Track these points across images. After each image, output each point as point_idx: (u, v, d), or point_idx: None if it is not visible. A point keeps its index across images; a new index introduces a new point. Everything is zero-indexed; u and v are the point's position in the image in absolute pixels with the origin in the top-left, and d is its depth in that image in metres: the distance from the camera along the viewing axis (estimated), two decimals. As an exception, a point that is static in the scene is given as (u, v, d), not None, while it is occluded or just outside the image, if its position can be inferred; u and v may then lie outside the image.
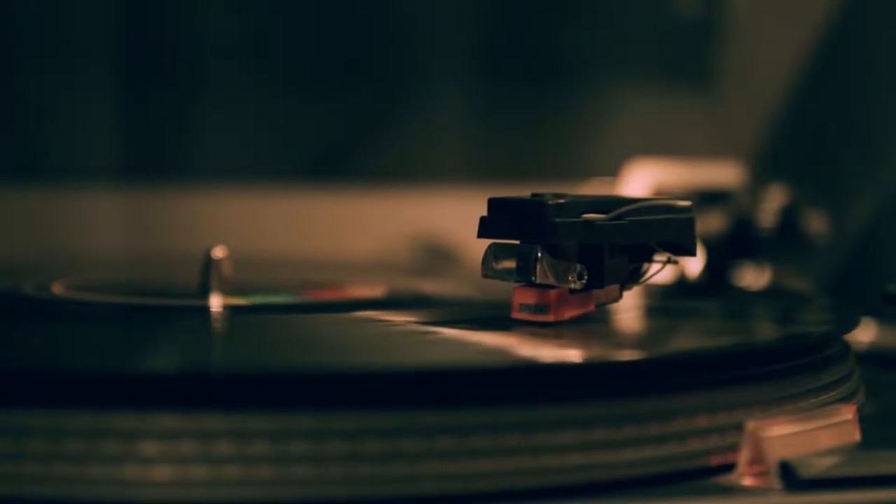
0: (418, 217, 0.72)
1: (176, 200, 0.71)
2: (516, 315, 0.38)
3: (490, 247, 0.38)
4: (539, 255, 0.37)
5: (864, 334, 0.51)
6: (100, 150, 0.71)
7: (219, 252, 0.45)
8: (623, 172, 0.64)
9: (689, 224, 0.39)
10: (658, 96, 0.76)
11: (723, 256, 0.58)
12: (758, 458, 0.32)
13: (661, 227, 0.38)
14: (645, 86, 0.76)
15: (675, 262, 0.40)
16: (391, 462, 0.29)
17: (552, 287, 0.37)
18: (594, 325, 0.38)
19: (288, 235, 0.71)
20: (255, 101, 0.73)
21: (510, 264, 0.37)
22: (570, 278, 0.37)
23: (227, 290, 0.44)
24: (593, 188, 0.66)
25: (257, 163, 0.73)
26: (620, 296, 0.39)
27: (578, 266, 0.37)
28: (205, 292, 0.44)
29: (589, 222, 0.37)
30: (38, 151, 0.71)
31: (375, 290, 0.48)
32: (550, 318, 0.37)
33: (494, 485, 0.30)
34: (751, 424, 0.32)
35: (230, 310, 0.43)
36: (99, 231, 0.70)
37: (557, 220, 0.36)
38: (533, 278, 0.37)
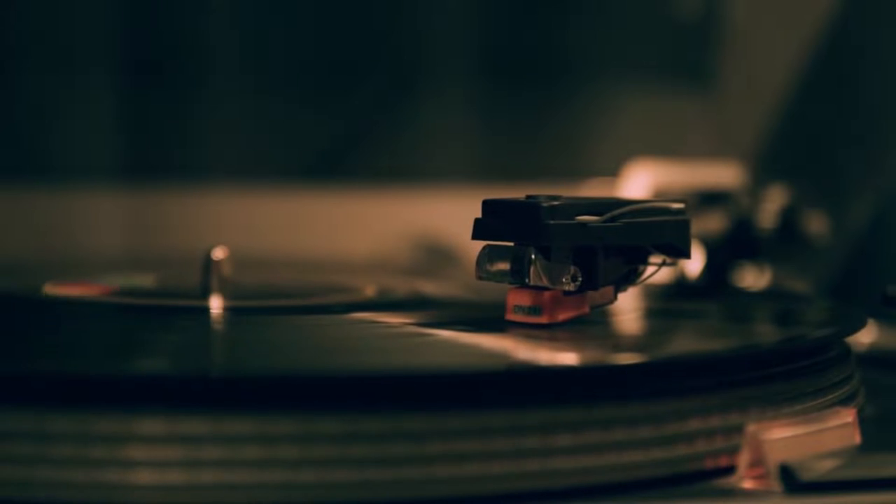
0: (418, 217, 0.72)
1: (176, 200, 0.71)
2: (510, 317, 0.37)
3: (484, 248, 0.38)
4: (533, 256, 0.36)
5: (865, 336, 0.51)
6: (100, 150, 0.71)
7: (219, 252, 0.45)
8: (623, 172, 0.64)
9: (684, 226, 0.39)
10: (658, 96, 0.75)
11: (723, 257, 0.57)
12: (758, 461, 0.32)
13: (656, 229, 0.38)
14: (645, 86, 0.76)
15: (671, 265, 0.39)
16: (387, 465, 0.29)
17: (546, 289, 0.37)
18: (589, 326, 0.38)
19: (288, 235, 0.71)
20: (255, 101, 0.73)
21: (504, 266, 0.37)
22: (563, 280, 0.37)
23: (226, 291, 0.44)
24: (593, 188, 0.66)
25: (257, 163, 0.73)
26: (615, 297, 0.39)
27: (572, 268, 0.37)
28: (205, 293, 0.44)
29: (583, 224, 0.37)
30: (39, 151, 0.71)
31: (373, 291, 0.48)
32: (545, 319, 0.37)
33: (494, 488, 0.30)
34: (751, 427, 0.32)
35: (230, 311, 0.43)
36: (99, 231, 0.70)
37: (551, 222, 0.36)
38: (527, 280, 0.37)
